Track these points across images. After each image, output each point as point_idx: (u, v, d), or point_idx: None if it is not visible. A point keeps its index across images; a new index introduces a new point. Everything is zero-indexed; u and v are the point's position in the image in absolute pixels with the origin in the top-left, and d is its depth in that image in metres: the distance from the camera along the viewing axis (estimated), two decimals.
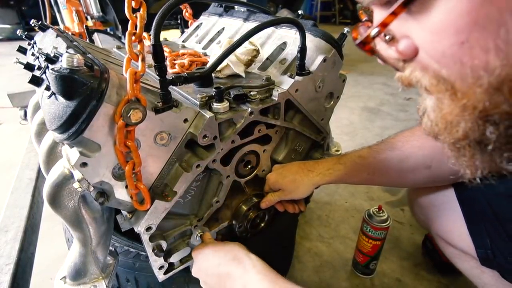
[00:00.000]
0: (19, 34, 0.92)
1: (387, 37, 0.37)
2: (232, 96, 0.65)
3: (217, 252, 0.68)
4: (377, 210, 1.10)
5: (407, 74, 0.40)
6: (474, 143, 0.38)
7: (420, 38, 0.35)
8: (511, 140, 0.36)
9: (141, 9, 0.51)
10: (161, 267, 0.73)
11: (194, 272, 0.71)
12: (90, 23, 2.66)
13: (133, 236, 0.80)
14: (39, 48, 0.76)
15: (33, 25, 0.91)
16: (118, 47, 1.07)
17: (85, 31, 1.17)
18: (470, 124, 0.36)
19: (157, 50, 0.52)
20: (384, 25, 0.35)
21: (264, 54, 0.85)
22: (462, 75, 0.33)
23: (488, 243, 0.72)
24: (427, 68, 0.36)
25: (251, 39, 0.69)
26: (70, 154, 0.52)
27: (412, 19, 0.33)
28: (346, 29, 0.80)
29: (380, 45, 0.39)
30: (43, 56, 0.53)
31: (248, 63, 0.79)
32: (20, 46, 0.89)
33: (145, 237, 0.66)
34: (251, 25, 0.97)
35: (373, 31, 0.36)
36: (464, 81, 0.33)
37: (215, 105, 0.63)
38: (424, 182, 0.81)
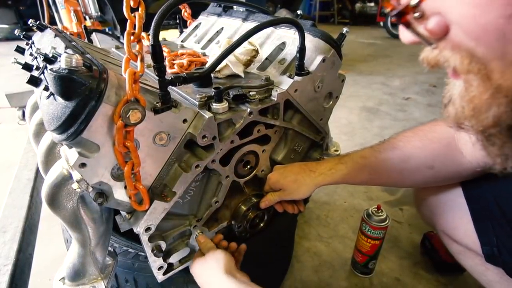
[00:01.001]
0: (17, 34, 0.92)
1: (416, 14, 0.34)
2: (231, 96, 0.65)
3: (207, 270, 0.70)
4: (376, 209, 1.10)
5: (435, 54, 0.37)
6: (506, 130, 0.36)
7: (457, 13, 0.32)
8: None
9: (140, 9, 0.51)
10: (160, 268, 0.73)
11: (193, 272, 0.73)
12: (88, 23, 2.65)
13: (132, 237, 0.80)
14: (37, 48, 0.76)
15: (31, 25, 0.91)
16: (117, 47, 1.06)
17: (84, 31, 1.16)
18: (504, 108, 0.34)
19: (156, 50, 0.52)
20: None
21: (263, 54, 0.85)
22: (502, 53, 0.31)
23: (494, 241, 0.72)
24: (460, 47, 0.34)
25: (250, 39, 0.69)
26: (68, 154, 0.52)
27: None
28: (345, 29, 0.80)
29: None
30: (41, 56, 0.53)
31: (247, 63, 0.79)
32: (18, 46, 0.89)
33: (144, 238, 0.66)
34: (250, 25, 0.97)
35: (413, 0, 0.33)
36: (503, 60, 0.31)
37: (214, 105, 0.63)
38: (426, 182, 0.82)
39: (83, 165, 0.50)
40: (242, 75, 0.76)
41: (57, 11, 2.42)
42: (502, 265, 0.72)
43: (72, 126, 0.46)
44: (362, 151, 0.83)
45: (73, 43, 0.69)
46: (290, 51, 0.80)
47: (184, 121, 0.58)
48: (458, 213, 0.80)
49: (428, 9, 0.34)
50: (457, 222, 0.81)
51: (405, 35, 0.38)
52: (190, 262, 0.78)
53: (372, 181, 0.85)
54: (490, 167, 0.64)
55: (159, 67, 0.53)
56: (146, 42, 0.99)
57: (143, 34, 0.95)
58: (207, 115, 0.60)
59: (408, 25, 0.36)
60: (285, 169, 0.82)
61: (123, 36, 0.50)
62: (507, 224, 0.70)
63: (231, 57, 0.74)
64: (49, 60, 0.53)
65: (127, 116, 0.47)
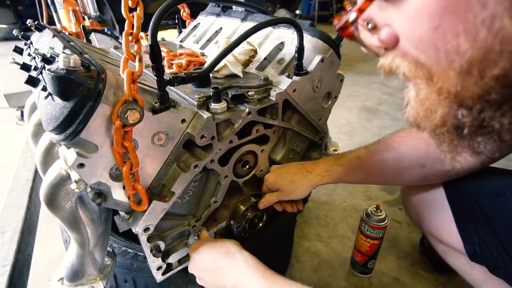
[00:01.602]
0: (15, 34, 0.91)
1: (369, 26, 0.38)
2: (230, 96, 0.65)
3: (211, 248, 0.70)
4: (375, 209, 1.11)
5: (388, 61, 0.41)
6: (452, 128, 0.40)
7: (399, 25, 0.36)
8: (484, 124, 0.37)
9: (138, 9, 0.51)
10: (159, 268, 0.73)
11: (190, 269, 0.73)
12: (87, 23, 2.64)
13: (131, 237, 0.80)
14: (35, 48, 0.75)
15: (29, 25, 0.91)
16: (115, 47, 1.06)
17: (82, 31, 1.16)
18: (446, 109, 0.38)
19: (155, 50, 0.52)
20: (361, 10, 0.36)
21: (262, 54, 0.85)
22: (437, 60, 0.34)
23: (476, 240, 0.74)
24: (407, 55, 0.37)
25: (248, 39, 0.69)
26: (67, 155, 0.52)
27: (392, 7, 0.35)
28: None
29: (364, 34, 0.40)
30: (39, 57, 0.53)
31: (246, 63, 0.79)
32: (16, 46, 0.89)
33: (143, 238, 0.66)
34: (249, 25, 0.97)
35: (351, 16, 0.37)
36: (439, 65, 0.35)
37: (213, 105, 0.63)
38: (419, 180, 0.83)
39: (81, 165, 0.50)
40: (241, 75, 0.76)
41: (55, 11, 2.42)
42: (485, 263, 0.74)
43: (70, 127, 0.46)
44: (358, 152, 0.84)
45: (71, 43, 0.69)
46: (289, 51, 0.80)
47: (183, 121, 0.58)
48: (441, 214, 0.81)
49: (379, 21, 0.37)
50: (441, 223, 0.82)
51: (363, 40, 0.42)
52: (189, 261, 0.78)
53: (368, 181, 0.87)
54: (470, 167, 0.68)
55: (158, 67, 0.53)
56: (145, 42, 0.99)
57: (142, 34, 0.95)
58: (205, 115, 0.60)
59: (351, 38, 0.41)
60: (282, 170, 0.83)
61: (122, 36, 0.50)
62: (487, 223, 0.71)
63: (229, 57, 0.74)
64: (47, 60, 0.53)
65: (125, 116, 0.47)
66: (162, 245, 0.70)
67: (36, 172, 1.16)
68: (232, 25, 1.02)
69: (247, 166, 0.80)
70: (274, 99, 0.71)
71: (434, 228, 0.86)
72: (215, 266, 0.67)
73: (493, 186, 0.74)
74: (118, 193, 0.57)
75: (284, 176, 0.81)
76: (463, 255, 0.78)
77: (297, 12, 0.94)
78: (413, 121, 0.44)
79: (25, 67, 0.69)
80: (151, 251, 0.69)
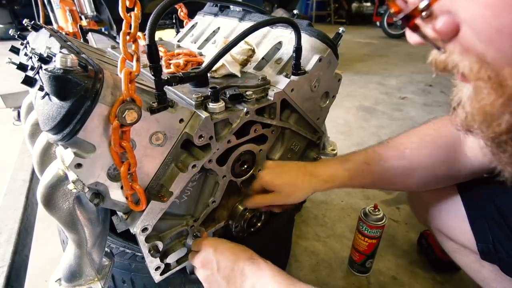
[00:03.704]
0: (11, 34, 0.91)
1: (424, 13, 0.31)
2: (228, 96, 0.65)
3: (234, 249, 0.67)
4: (372, 208, 1.11)
5: (443, 57, 0.35)
6: None
7: (468, 12, 0.29)
8: None
9: (136, 9, 0.50)
10: (157, 268, 0.73)
11: (200, 262, 0.69)
12: (84, 22, 2.63)
13: (129, 237, 0.80)
14: (32, 48, 0.75)
15: (26, 24, 0.90)
16: (113, 47, 1.06)
17: (79, 30, 1.15)
18: None
19: (152, 50, 0.52)
20: None
21: (260, 53, 0.85)
22: None
23: (490, 238, 0.72)
24: (469, 51, 0.31)
25: (246, 39, 0.69)
26: (64, 155, 0.52)
27: None
28: (341, 29, 0.81)
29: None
30: (36, 56, 0.53)
31: (244, 63, 0.79)
32: (12, 46, 0.88)
33: (141, 238, 0.66)
34: (247, 24, 0.97)
35: (422, 3, 0.30)
36: None
37: (211, 105, 0.63)
38: (428, 187, 0.81)
39: (79, 165, 0.50)
40: (239, 74, 0.76)
41: (52, 10, 2.41)
42: (498, 262, 0.72)
43: (68, 127, 0.46)
44: (366, 155, 0.78)
45: (68, 43, 0.69)
46: (287, 51, 0.80)
47: (181, 121, 0.58)
48: (453, 211, 0.80)
49: (436, 8, 0.31)
50: (452, 219, 0.81)
51: (412, 36, 0.35)
52: (187, 262, 0.78)
53: (373, 187, 0.83)
54: (493, 170, 0.63)
55: (155, 67, 0.53)
56: (142, 42, 0.98)
57: (139, 34, 0.95)
58: (203, 115, 0.60)
59: (415, 29, 0.33)
60: (281, 169, 0.77)
61: (119, 36, 0.50)
62: (503, 221, 0.70)
63: (227, 57, 0.74)
64: (44, 60, 0.53)
65: (123, 116, 0.47)
66: (160, 245, 0.70)
67: (33, 172, 1.16)
68: (229, 25, 1.02)
69: (245, 166, 0.80)
70: (272, 98, 0.71)
71: (444, 225, 0.84)
72: (237, 268, 0.64)
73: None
74: (116, 193, 0.57)
75: (283, 177, 0.75)
76: (473, 253, 0.77)
77: (295, 11, 0.94)
78: (463, 125, 0.39)
79: (21, 67, 0.69)
80: (149, 251, 0.69)
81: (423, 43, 0.35)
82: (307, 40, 0.77)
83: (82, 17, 2.65)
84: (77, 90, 0.44)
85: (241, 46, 0.76)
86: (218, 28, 1.06)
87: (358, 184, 0.81)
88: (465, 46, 0.32)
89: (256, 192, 0.79)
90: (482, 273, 0.80)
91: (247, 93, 0.67)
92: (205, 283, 0.68)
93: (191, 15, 1.23)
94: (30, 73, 0.61)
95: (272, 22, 0.79)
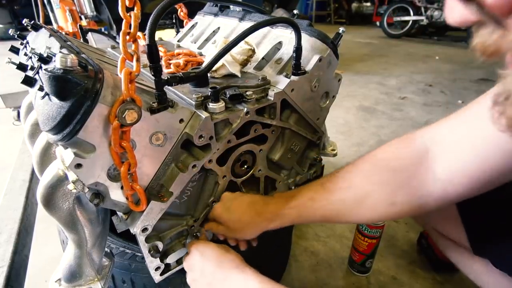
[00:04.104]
0: (11, 34, 0.90)
1: None
2: (228, 96, 0.65)
3: (221, 256, 0.66)
4: None
5: (495, 38, 0.28)
6: None
7: None
8: None
9: (135, 8, 0.50)
10: (157, 268, 0.73)
11: (187, 266, 0.70)
12: (84, 22, 2.63)
13: (129, 237, 0.80)
14: (32, 48, 0.75)
15: (25, 24, 0.90)
16: (113, 47, 1.06)
17: (79, 30, 1.15)
18: None
19: (152, 50, 0.52)
20: None
21: (260, 53, 0.85)
22: None
23: (481, 232, 0.72)
24: None
25: (246, 39, 0.69)
26: (64, 155, 0.52)
27: None
28: (341, 29, 0.80)
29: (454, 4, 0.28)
30: (36, 56, 0.53)
31: (244, 63, 0.79)
32: (12, 46, 0.88)
33: (141, 238, 0.65)
34: (247, 24, 0.96)
35: None
36: None
37: (211, 105, 0.63)
38: (388, 217, 0.72)
39: (79, 165, 0.50)
40: (239, 74, 0.76)
41: (52, 10, 2.41)
42: (489, 256, 0.73)
43: (68, 127, 0.46)
44: (312, 191, 0.74)
45: (68, 43, 0.69)
46: (287, 51, 0.80)
47: (181, 121, 0.58)
48: (445, 208, 0.80)
49: None
50: (445, 216, 0.81)
51: (455, 11, 0.29)
52: (187, 257, 0.78)
53: (328, 221, 0.81)
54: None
55: (155, 67, 0.53)
56: (142, 42, 0.98)
57: (139, 33, 0.95)
58: (203, 115, 0.60)
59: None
60: (232, 203, 0.76)
61: (119, 36, 0.50)
62: (494, 216, 0.71)
63: (227, 57, 0.74)
64: (44, 60, 0.53)
65: (123, 116, 0.47)
66: (160, 246, 0.70)
67: (33, 172, 1.16)
68: (230, 25, 1.02)
69: (245, 166, 0.80)
70: (272, 98, 0.71)
71: (438, 223, 0.84)
72: (222, 276, 0.63)
73: None
74: (116, 194, 0.57)
75: (231, 212, 0.74)
76: (465, 249, 0.77)
77: (295, 11, 0.94)
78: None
79: (21, 67, 0.69)
80: (149, 251, 0.69)
81: (467, 22, 0.29)
82: (307, 40, 0.77)
83: (82, 17, 2.65)
84: (77, 90, 0.44)
85: (241, 46, 0.76)
86: (218, 28, 1.06)
87: (309, 221, 0.78)
88: None
89: (212, 220, 0.78)
90: (474, 268, 0.81)
91: (247, 93, 0.67)
92: (191, 286, 0.68)
93: (191, 15, 1.23)
94: (30, 73, 0.61)
95: (272, 22, 0.79)
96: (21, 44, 0.92)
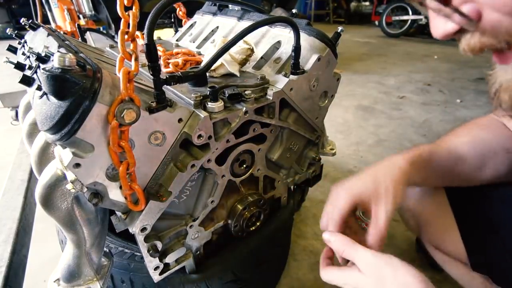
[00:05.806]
0: (9, 33, 0.90)
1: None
2: (227, 95, 0.65)
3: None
4: None
5: (476, 39, 0.37)
6: None
7: None
8: None
9: (134, 8, 0.50)
10: (156, 268, 0.73)
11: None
12: (82, 22, 2.62)
13: (128, 237, 0.80)
14: (29, 47, 0.75)
15: (23, 23, 0.90)
16: (111, 46, 1.06)
17: (77, 30, 1.15)
18: None
19: (151, 49, 0.52)
20: None
21: (259, 53, 0.85)
22: None
23: (481, 249, 0.71)
24: (498, 27, 0.34)
25: (245, 38, 0.68)
26: (62, 155, 0.51)
27: None
28: (340, 28, 0.80)
29: (437, 20, 0.37)
30: (34, 56, 0.53)
31: (243, 62, 0.78)
32: (10, 45, 0.88)
33: (140, 238, 0.65)
34: (245, 24, 0.96)
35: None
36: None
37: (210, 105, 0.63)
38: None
39: (77, 165, 0.49)
40: (238, 74, 0.76)
41: (50, 9, 2.40)
42: (490, 273, 0.72)
43: (66, 126, 0.46)
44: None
45: (66, 42, 0.69)
46: (286, 50, 0.80)
47: (180, 120, 0.58)
48: (443, 223, 0.79)
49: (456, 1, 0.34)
50: (443, 232, 0.80)
51: (439, 26, 0.37)
52: (187, 262, 0.78)
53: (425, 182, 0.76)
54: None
55: (154, 66, 0.52)
56: (141, 41, 0.98)
57: (138, 33, 0.94)
58: (202, 114, 0.60)
59: (455, 10, 0.34)
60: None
61: (117, 35, 0.50)
62: (494, 231, 0.70)
63: (226, 56, 0.74)
64: (42, 59, 0.52)
65: (122, 115, 0.47)
66: (159, 245, 0.70)
67: (31, 172, 1.15)
68: (228, 24, 1.02)
69: (244, 166, 0.80)
70: (271, 98, 0.71)
71: (435, 238, 0.83)
72: None
73: (499, 193, 0.71)
74: (115, 193, 0.57)
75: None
76: (464, 265, 0.76)
77: (294, 11, 0.94)
78: (509, 107, 0.40)
79: (19, 66, 0.69)
80: (148, 251, 0.69)
81: (449, 34, 0.37)
82: (306, 40, 0.77)
83: (80, 16, 2.64)
84: (75, 90, 0.44)
85: (240, 45, 0.76)
86: (217, 27, 1.06)
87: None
88: (491, 26, 0.34)
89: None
90: (473, 285, 0.80)
91: (246, 92, 0.67)
92: None
93: (189, 14, 1.23)
94: (28, 73, 0.61)
95: (271, 21, 0.78)
96: (19, 43, 0.91)
